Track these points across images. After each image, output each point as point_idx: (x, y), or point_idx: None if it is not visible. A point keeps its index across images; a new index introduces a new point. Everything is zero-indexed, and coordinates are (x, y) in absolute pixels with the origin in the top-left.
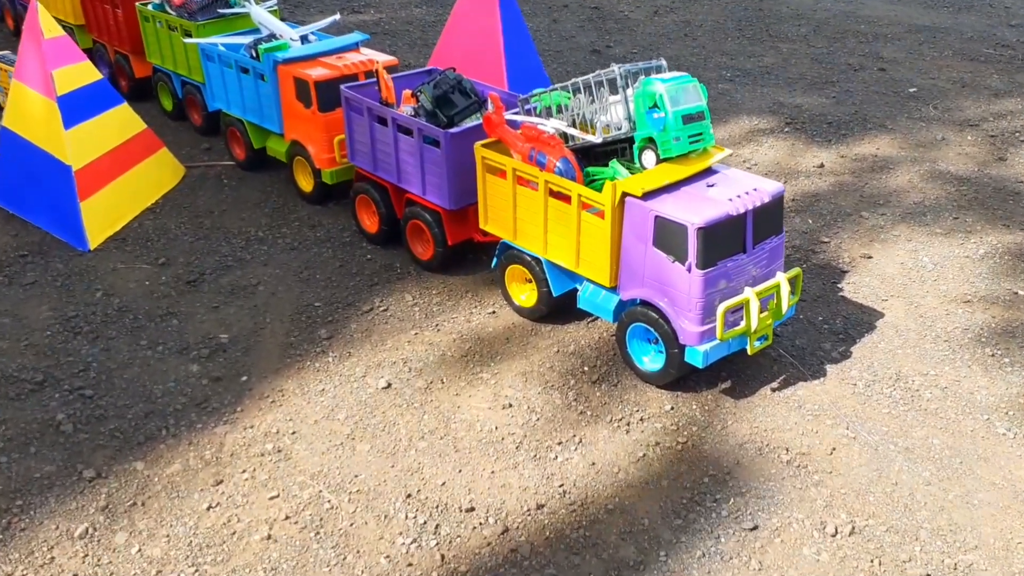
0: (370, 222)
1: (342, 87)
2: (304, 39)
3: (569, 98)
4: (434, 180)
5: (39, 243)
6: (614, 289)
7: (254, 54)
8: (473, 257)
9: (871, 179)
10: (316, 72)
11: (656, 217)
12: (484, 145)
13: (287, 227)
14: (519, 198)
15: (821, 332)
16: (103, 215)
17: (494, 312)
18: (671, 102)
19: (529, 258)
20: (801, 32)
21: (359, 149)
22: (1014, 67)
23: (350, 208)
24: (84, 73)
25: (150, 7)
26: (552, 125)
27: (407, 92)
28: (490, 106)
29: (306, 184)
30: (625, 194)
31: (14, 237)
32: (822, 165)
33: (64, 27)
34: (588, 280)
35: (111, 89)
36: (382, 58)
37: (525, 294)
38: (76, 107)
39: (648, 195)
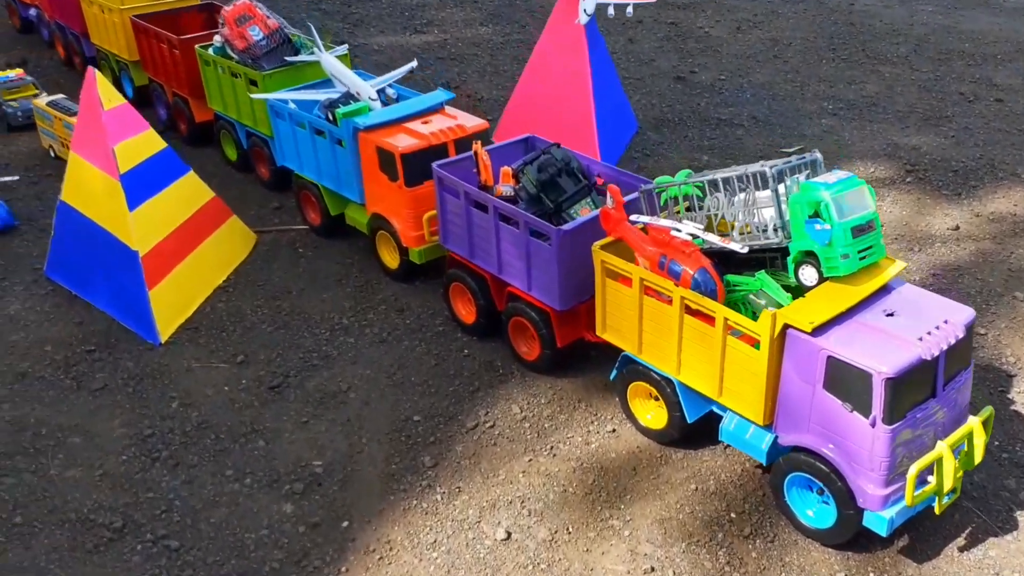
0: (466, 312)
1: (435, 166)
2: (381, 92)
3: (698, 187)
4: (542, 277)
5: (105, 333)
6: (768, 426)
7: (331, 117)
8: (581, 353)
9: (1017, 247)
10: (402, 142)
11: (829, 358)
12: (603, 246)
13: (373, 312)
14: (647, 309)
15: (1001, 464)
16: (173, 301)
17: (614, 431)
18: (838, 212)
19: (658, 377)
20: (901, 52)
21: (453, 232)
22: None
23: (440, 291)
24: (147, 144)
25: (211, 50)
26: (688, 230)
27: (506, 169)
28: (609, 200)
29: (391, 260)
30: (787, 325)
31: (79, 325)
32: (957, 228)
33: (118, 63)
34: (733, 412)
35: (175, 158)
36: (471, 123)
37: (651, 413)
38: (140, 184)
39: (818, 328)
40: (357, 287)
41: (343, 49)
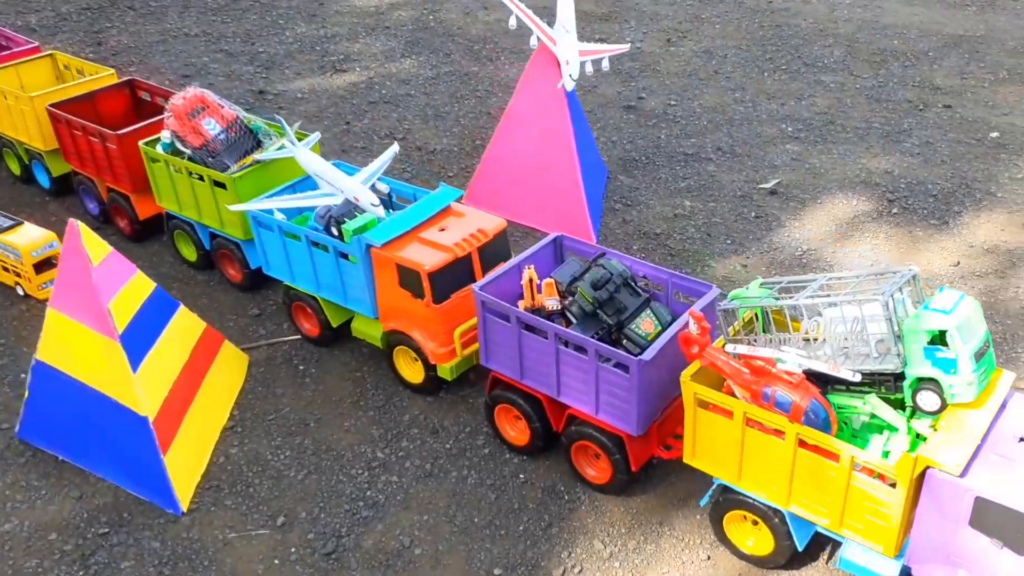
0: (516, 434)
1: (475, 290)
2: (373, 187)
3: (772, 295)
4: (615, 403)
5: (114, 507)
6: (897, 556)
7: (336, 232)
8: (647, 469)
9: (1021, 280)
10: (427, 260)
11: (978, 499)
12: (693, 376)
13: (406, 438)
14: (750, 442)
15: None
16: (187, 459)
17: (709, 558)
18: (962, 339)
19: (764, 507)
20: (836, 56)
21: (499, 354)
22: None
23: (470, 403)
24: (138, 290)
25: (159, 147)
26: (794, 360)
27: (549, 281)
28: (692, 326)
29: (413, 375)
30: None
31: (79, 500)
32: (958, 263)
33: (28, 151)
34: (853, 539)
35: (165, 296)
36: (490, 224)
37: (752, 539)
38: (139, 338)
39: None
40: (379, 408)
41: (315, 138)
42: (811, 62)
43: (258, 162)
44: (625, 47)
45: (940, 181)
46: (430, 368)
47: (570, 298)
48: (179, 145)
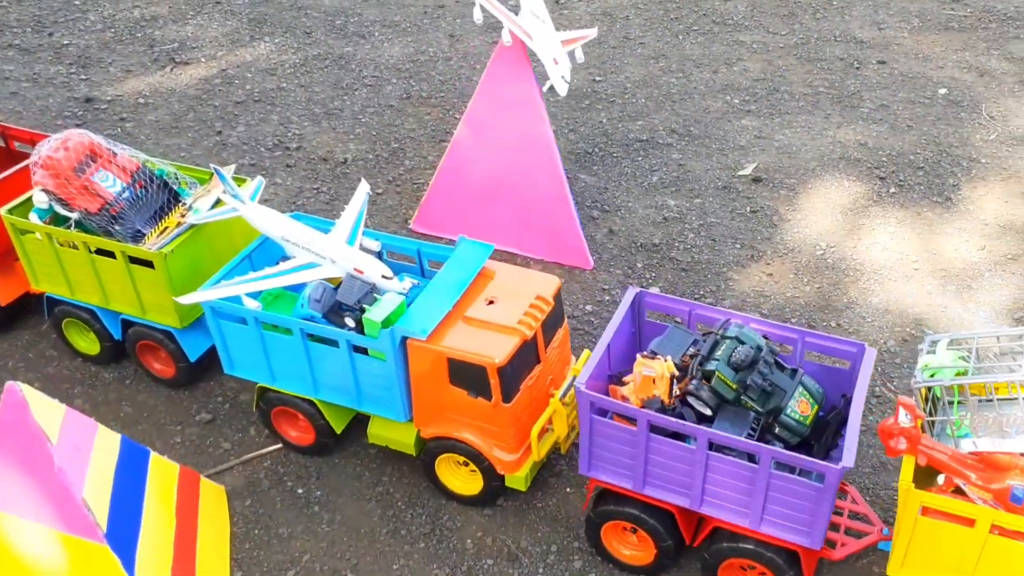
0: (633, 552)
1: (580, 389)
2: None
3: (961, 356)
4: (791, 514)
5: None
6: None
7: (350, 324)
8: None
9: None
10: (494, 351)
11: None
12: (914, 481)
13: (480, 573)
14: (991, 548)
15: None
16: None
17: None
18: None
19: None
20: (741, 11)
21: (609, 461)
22: (992, 32)
23: (548, 514)
24: (105, 456)
25: (33, 215)
26: None
27: (667, 367)
28: (903, 417)
29: (464, 486)
30: None
31: None
32: (984, 247)
33: None
34: None
35: (134, 447)
36: (546, 287)
37: None
38: (123, 524)
39: None
40: (426, 535)
41: (258, 185)
42: (719, 20)
43: (191, 227)
44: (593, 31)
45: (919, 151)
46: (494, 478)
47: (693, 383)
48: (60, 209)
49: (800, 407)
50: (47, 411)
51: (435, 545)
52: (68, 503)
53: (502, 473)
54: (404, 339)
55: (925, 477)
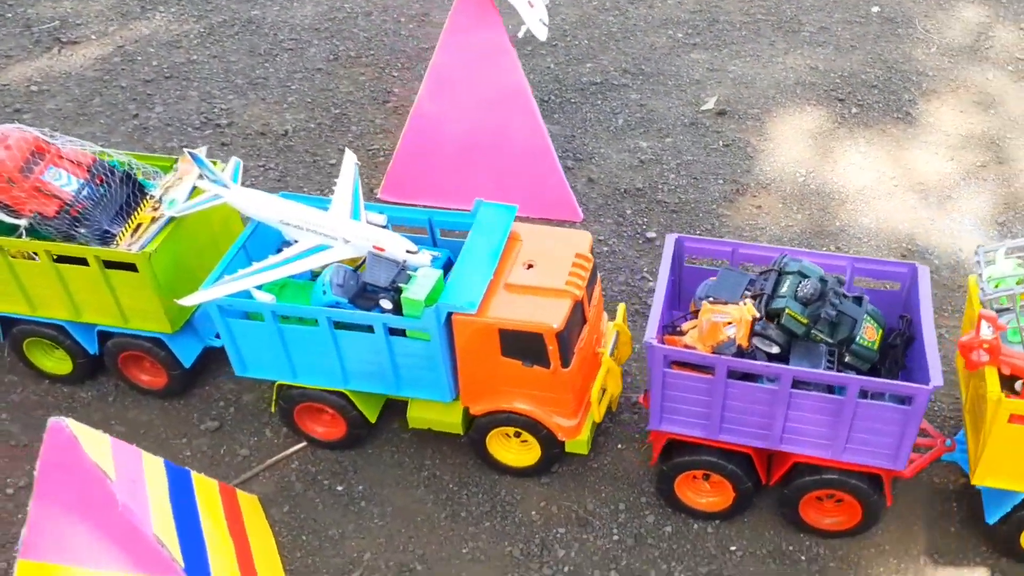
0: (709, 500)
1: (651, 344)
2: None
3: (1022, 265)
4: (877, 440)
5: None
6: None
7: (387, 306)
8: None
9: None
10: (549, 316)
11: None
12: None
13: (557, 544)
14: None
15: None
16: None
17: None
18: None
19: None
20: None
21: (681, 412)
22: None
23: (604, 473)
24: (158, 484)
25: None
26: None
27: (748, 310)
28: (985, 330)
29: (519, 458)
30: None
31: None
32: (952, 159)
33: None
34: None
35: (176, 470)
36: (581, 243)
37: None
38: (194, 553)
39: None
40: (487, 514)
41: (235, 165)
42: None
43: (170, 221)
44: None
45: (868, 70)
46: (553, 446)
47: (759, 323)
48: (5, 217)
49: (867, 334)
50: (96, 444)
51: (500, 522)
52: (138, 542)
53: (562, 440)
54: (449, 315)
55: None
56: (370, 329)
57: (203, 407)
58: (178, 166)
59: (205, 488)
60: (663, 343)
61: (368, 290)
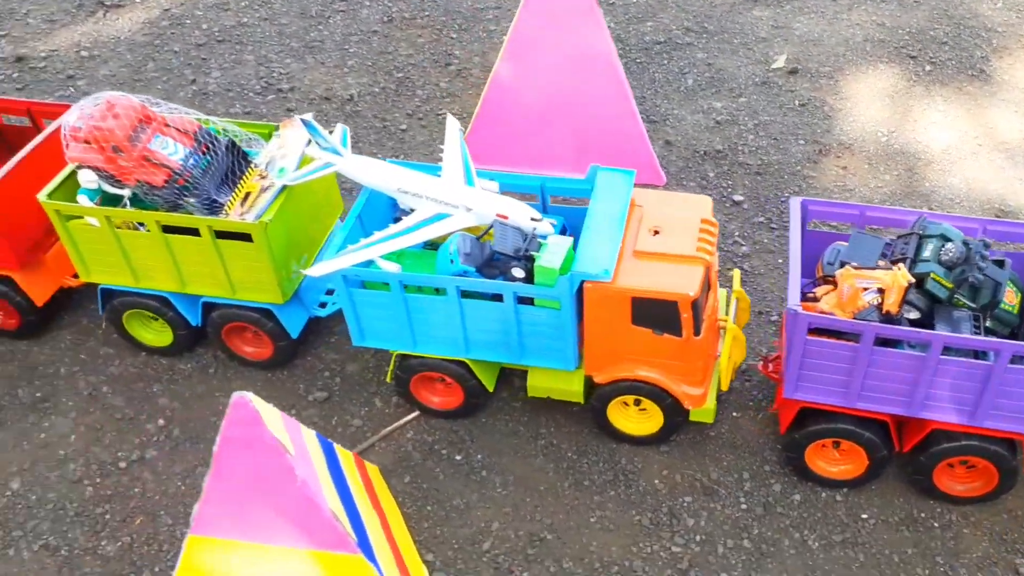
0: (841, 468)
1: (793, 311)
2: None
3: None
4: (1019, 405)
5: None
6: None
7: (519, 275)
8: None
9: None
10: (684, 283)
11: None
12: None
13: (685, 513)
14: None
15: None
16: None
17: None
18: None
19: None
20: None
21: (819, 380)
22: None
23: (724, 440)
24: (316, 452)
25: (81, 196)
26: None
27: (902, 276)
28: None
29: (640, 427)
30: None
31: None
32: None
33: None
34: None
35: (326, 444)
36: (705, 208)
37: None
38: (359, 527)
39: None
40: (610, 483)
41: (343, 132)
42: None
43: (283, 190)
44: None
45: (936, 26)
46: (675, 415)
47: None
48: (108, 187)
49: (1008, 298)
50: (272, 419)
51: (624, 491)
52: (315, 518)
53: (688, 408)
54: (583, 283)
55: None
56: (498, 298)
57: (308, 378)
58: (279, 132)
59: (346, 460)
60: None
61: (497, 259)
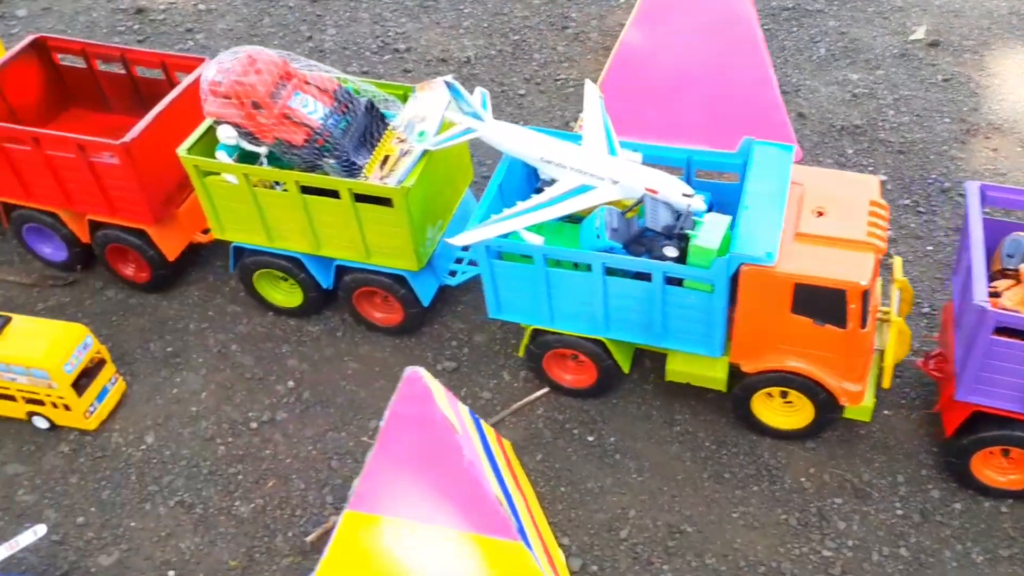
0: (1012, 477)
1: (984, 308)
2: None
3: None
4: None
5: None
6: None
7: (671, 255)
8: None
9: None
10: (856, 271)
11: None
12: None
13: (835, 515)
14: None
15: None
16: None
17: None
18: None
19: None
20: None
21: (1000, 384)
22: None
23: (873, 440)
24: (473, 428)
25: (220, 152)
26: None
27: None
28: None
29: (788, 421)
30: None
31: None
32: None
33: None
34: None
35: (474, 415)
36: (873, 187)
37: None
38: (515, 511)
39: None
40: (754, 476)
41: (482, 96)
42: None
43: (424, 154)
44: None
45: None
46: (828, 411)
47: None
48: (247, 145)
49: None
50: (440, 394)
51: (768, 487)
52: (479, 500)
53: (844, 405)
54: (741, 266)
55: None
56: (645, 277)
57: (436, 346)
58: (416, 95)
59: (491, 437)
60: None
61: (647, 235)
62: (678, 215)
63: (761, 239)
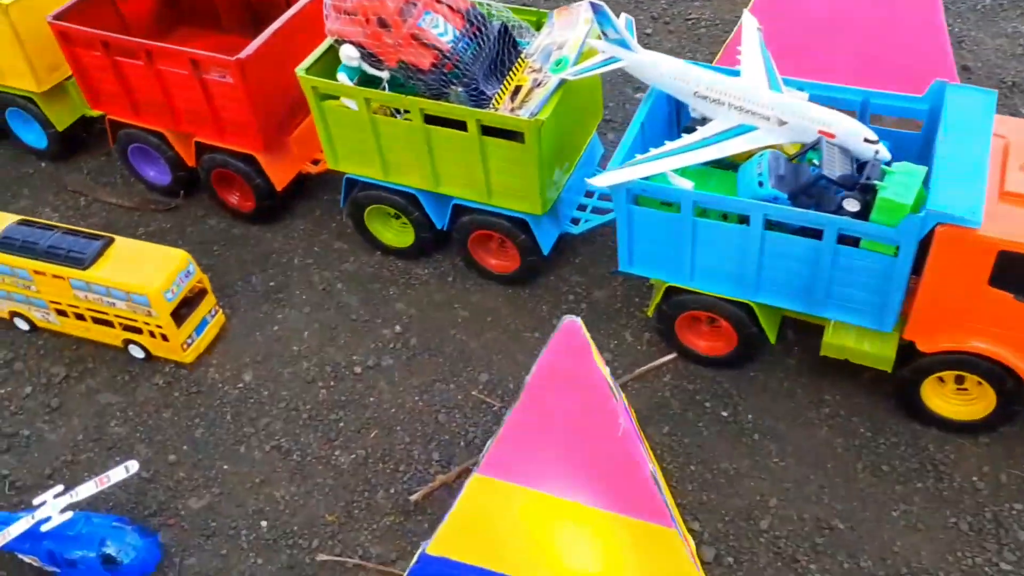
0: None
1: None
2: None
3: None
4: None
5: None
6: None
7: (852, 208)
8: None
9: None
10: None
11: None
12: None
13: (1017, 524)
14: None
15: None
16: None
17: None
18: None
19: None
20: None
21: None
22: None
23: None
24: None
25: (341, 75)
26: None
27: None
28: None
29: (960, 411)
30: None
31: None
32: None
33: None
34: None
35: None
36: None
37: None
38: (659, 488)
39: None
40: (918, 471)
41: (628, 23)
42: None
43: (561, 85)
44: None
45: None
46: (1015, 402)
47: None
48: (368, 68)
49: None
50: (596, 352)
51: (934, 485)
52: (631, 476)
53: None
54: (937, 226)
55: None
56: (813, 234)
57: (551, 299)
58: (552, 21)
59: (628, 404)
60: None
61: (821, 185)
62: (856, 164)
63: (963, 197)
